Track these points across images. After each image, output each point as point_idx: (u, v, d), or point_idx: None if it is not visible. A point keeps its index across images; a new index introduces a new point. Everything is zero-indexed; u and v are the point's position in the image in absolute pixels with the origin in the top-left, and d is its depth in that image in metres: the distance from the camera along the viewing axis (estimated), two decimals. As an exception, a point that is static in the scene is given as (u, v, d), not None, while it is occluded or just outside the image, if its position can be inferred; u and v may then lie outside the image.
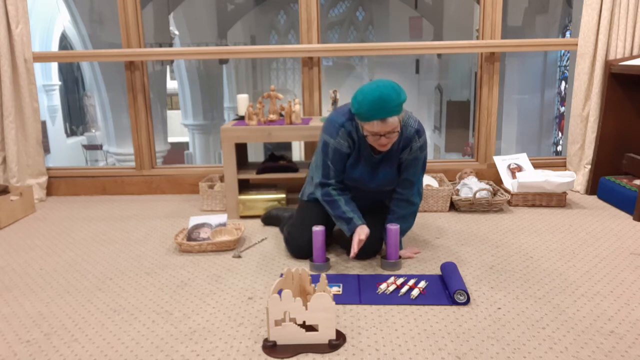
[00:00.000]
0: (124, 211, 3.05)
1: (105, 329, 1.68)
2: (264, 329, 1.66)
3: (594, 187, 3.12)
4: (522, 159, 3.21)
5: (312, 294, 1.55)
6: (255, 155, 4.39)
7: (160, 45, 8.12)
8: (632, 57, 2.91)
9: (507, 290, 1.90)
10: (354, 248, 2.01)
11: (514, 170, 3.14)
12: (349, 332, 1.62)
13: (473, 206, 2.85)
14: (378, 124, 1.88)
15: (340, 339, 1.56)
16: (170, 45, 9.06)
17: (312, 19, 3.17)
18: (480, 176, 3.23)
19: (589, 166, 3.15)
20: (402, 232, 2.19)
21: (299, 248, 2.23)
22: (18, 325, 1.72)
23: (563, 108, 7.62)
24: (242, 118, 3.01)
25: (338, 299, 1.82)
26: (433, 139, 10.20)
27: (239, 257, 2.29)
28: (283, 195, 2.87)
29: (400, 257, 2.15)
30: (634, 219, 2.68)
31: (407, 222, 2.21)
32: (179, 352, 1.54)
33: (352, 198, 2.15)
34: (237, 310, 1.79)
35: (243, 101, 3.02)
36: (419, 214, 2.75)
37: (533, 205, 2.95)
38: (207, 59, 9.75)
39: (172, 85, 11.41)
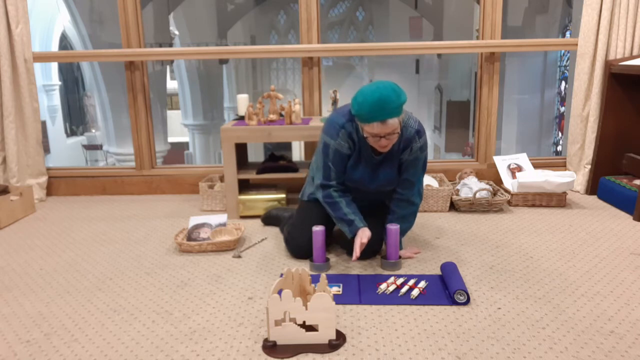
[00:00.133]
0: (124, 211, 3.05)
1: (105, 329, 1.68)
2: (264, 329, 1.66)
3: (594, 187, 3.12)
4: (522, 159, 3.21)
5: (312, 294, 1.55)
6: (255, 155, 4.39)
7: (160, 45, 8.12)
8: (632, 57, 2.91)
9: (507, 290, 1.90)
10: (356, 251, 2.00)
11: (514, 170, 3.14)
12: (349, 332, 1.62)
13: (473, 206, 2.85)
14: (378, 126, 1.88)
15: (340, 339, 1.56)
16: (170, 45, 9.06)
17: (312, 19, 3.17)
18: (480, 176, 3.23)
19: (589, 166, 3.15)
20: (402, 232, 2.19)
21: (299, 248, 2.23)
22: (18, 325, 1.72)
23: (563, 108, 7.62)
24: (242, 118, 3.01)
25: (338, 299, 1.82)
26: (433, 139, 10.20)
27: (239, 257, 2.29)
28: (283, 195, 2.87)
29: (400, 257, 2.15)
30: (634, 219, 2.68)
31: (407, 222, 2.21)
32: (179, 352, 1.54)
33: (353, 199, 2.15)
34: (237, 310, 1.79)
35: (243, 101, 3.02)
36: (419, 214, 2.75)
37: (533, 205, 2.95)
38: (207, 59, 9.75)
39: (172, 85, 11.41)
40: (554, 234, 2.50)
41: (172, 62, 10.40)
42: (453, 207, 2.92)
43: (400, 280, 1.95)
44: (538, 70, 7.61)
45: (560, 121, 7.75)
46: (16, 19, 3.04)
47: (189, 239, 2.41)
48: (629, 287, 1.91)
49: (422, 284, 1.92)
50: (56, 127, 10.68)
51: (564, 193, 2.92)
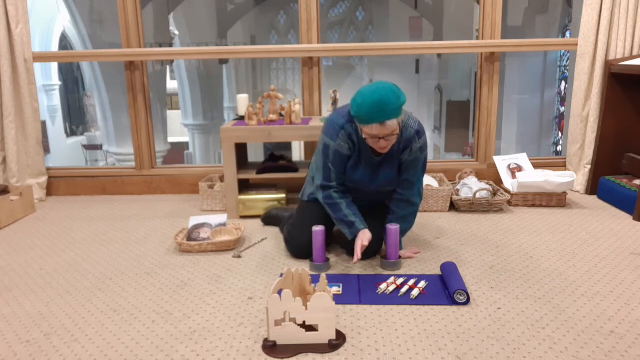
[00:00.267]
0: (124, 211, 3.05)
1: (105, 329, 1.68)
2: (264, 329, 1.66)
3: (594, 187, 3.12)
4: (522, 159, 3.21)
5: (312, 294, 1.55)
6: (255, 155, 4.39)
7: (160, 45, 8.12)
8: (632, 57, 2.91)
9: (507, 290, 1.90)
10: (357, 254, 2.00)
11: (514, 170, 3.14)
12: (349, 332, 1.62)
13: (473, 206, 2.85)
14: (377, 127, 1.88)
15: (340, 339, 1.56)
16: (170, 45, 9.06)
17: (312, 19, 3.17)
18: (480, 176, 3.23)
19: (589, 166, 3.15)
20: (402, 232, 2.19)
21: (299, 248, 2.23)
22: (18, 325, 1.72)
23: (563, 108, 7.62)
24: (242, 118, 3.01)
25: (338, 299, 1.82)
26: (433, 139, 10.19)
27: (239, 257, 2.29)
28: (283, 195, 2.87)
29: (400, 257, 2.15)
30: (634, 219, 2.68)
31: (407, 223, 2.21)
32: (179, 352, 1.54)
33: (353, 200, 2.15)
34: (237, 310, 1.79)
35: (243, 101, 3.02)
36: (419, 214, 2.75)
37: (533, 205, 2.95)
38: (207, 59, 9.75)
39: (172, 85, 11.41)
40: (554, 234, 2.50)
41: (172, 62, 10.40)
42: (453, 207, 2.92)
43: (400, 280, 1.95)
44: (538, 70, 7.61)
45: (560, 121, 7.75)
46: (16, 19, 3.04)
47: (189, 239, 2.41)
48: (629, 287, 1.91)
49: (422, 284, 1.92)
50: (56, 127, 10.68)
51: (564, 193, 2.92)
